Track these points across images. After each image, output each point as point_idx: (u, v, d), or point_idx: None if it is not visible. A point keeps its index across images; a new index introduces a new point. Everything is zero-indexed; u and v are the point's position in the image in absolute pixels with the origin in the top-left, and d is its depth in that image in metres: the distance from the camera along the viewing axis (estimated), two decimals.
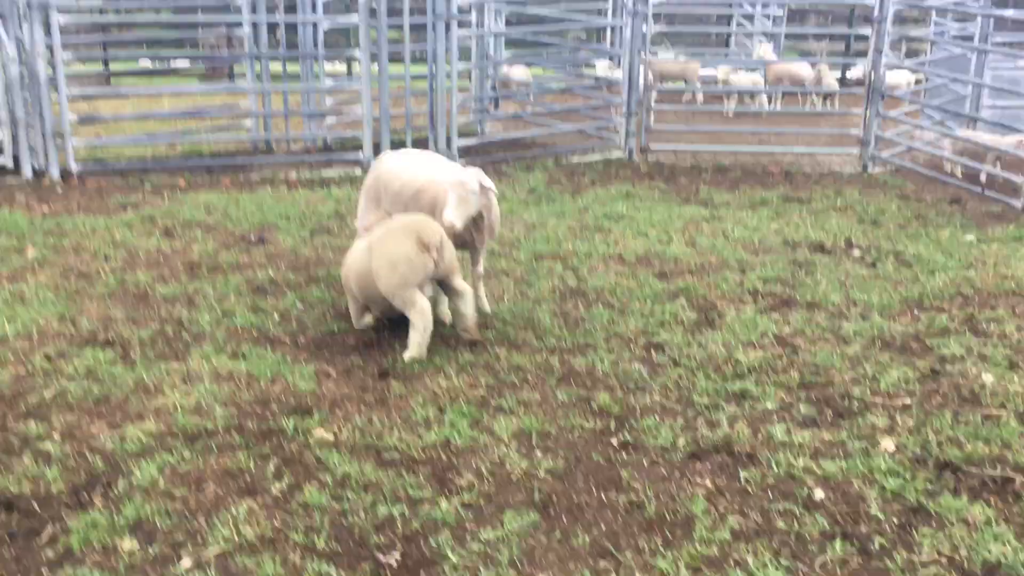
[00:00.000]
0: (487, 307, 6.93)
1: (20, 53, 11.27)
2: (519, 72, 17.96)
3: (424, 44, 12.67)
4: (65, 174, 11.66)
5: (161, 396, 5.39)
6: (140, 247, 8.49)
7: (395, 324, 6.40)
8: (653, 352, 6.30)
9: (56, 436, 4.92)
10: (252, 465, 4.64)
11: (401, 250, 5.91)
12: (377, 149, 12.37)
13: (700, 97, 19.39)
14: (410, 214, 6.32)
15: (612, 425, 5.23)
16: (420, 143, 13.42)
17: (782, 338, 6.59)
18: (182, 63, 21.91)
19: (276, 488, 4.44)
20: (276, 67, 16.07)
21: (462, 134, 13.49)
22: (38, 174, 11.65)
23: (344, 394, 5.53)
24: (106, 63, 19.48)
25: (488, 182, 6.28)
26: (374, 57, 12.37)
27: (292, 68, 16.09)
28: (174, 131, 14.06)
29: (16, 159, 11.57)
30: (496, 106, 17.78)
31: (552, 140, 15.43)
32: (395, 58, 13.71)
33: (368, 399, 5.48)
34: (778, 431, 5.19)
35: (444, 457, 4.81)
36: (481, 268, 6.85)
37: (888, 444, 5.10)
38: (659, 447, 5.01)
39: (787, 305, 7.32)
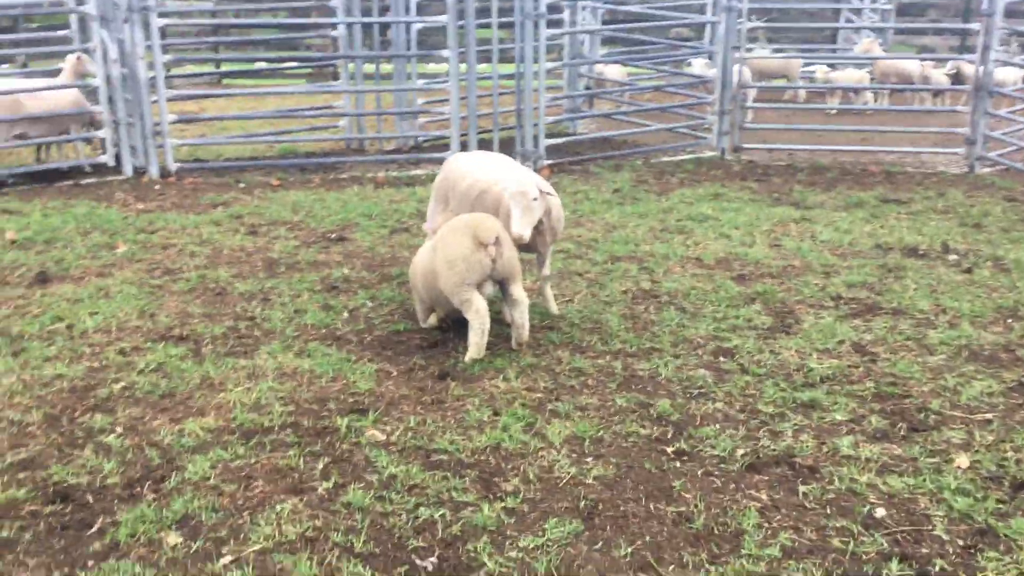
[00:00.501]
0: (554, 309, 6.86)
1: (121, 55, 11.61)
2: (614, 71, 17.78)
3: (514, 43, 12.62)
4: (164, 172, 11.96)
5: (224, 392, 5.47)
6: (224, 245, 8.66)
7: (460, 325, 6.37)
8: (721, 358, 6.14)
9: (119, 429, 5.03)
10: (302, 463, 4.66)
11: (458, 248, 5.89)
12: (464, 148, 12.39)
13: (802, 94, 18.90)
14: (472, 214, 6.28)
15: (669, 433, 5.10)
16: (507, 143, 13.43)
17: (861, 346, 6.35)
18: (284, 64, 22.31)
19: (322, 487, 4.45)
20: (376, 67, 16.21)
21: (550, 134, 13.41)
22: (139, 172, 12.00)
23: (402, 394, 5.53)
24: (216, 63, 19.95)
25: (547, 186, 6.21)
26: (464, 56, 12.38)
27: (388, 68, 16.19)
28: (271, 131, 14.33)
29: (118, 158, 11.94)
30: (591, 105, 17.65)
31: (643, 139, 15.25)
32: (489, 58, 13.73)
33: (425, 400, 5.46)
34: (845, 444, 4.99)
35: (493, 461, 4.76)
36: (547, 270, 6.78)
37: (962, 461, 4.85)
38: (716, 457, 4.86)
39: (870, 312, 7.05)
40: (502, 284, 6.10)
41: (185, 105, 16.63)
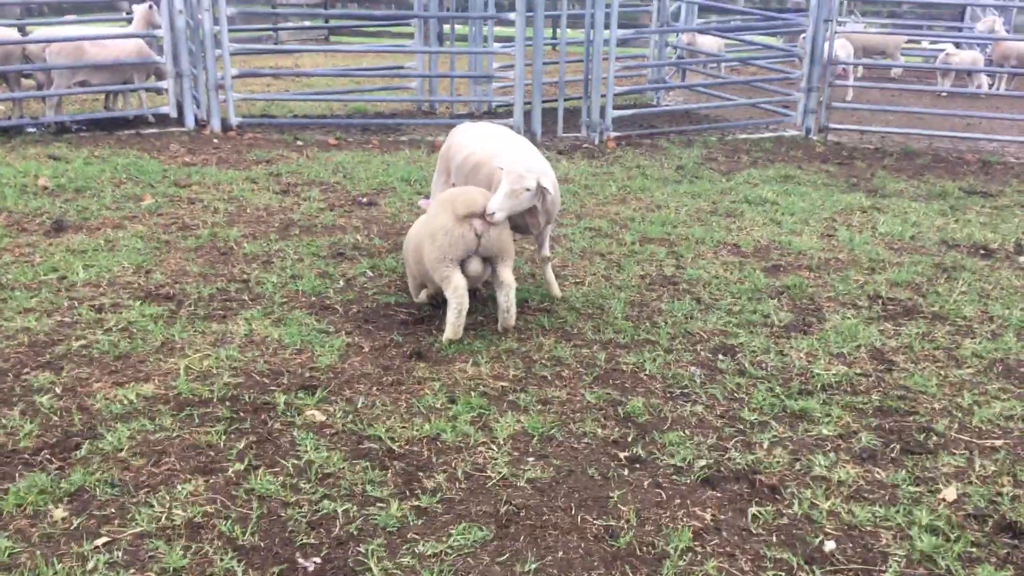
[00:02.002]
0: (556, 292, 6.47)
1: (187, 5, 11.56)
2: (707, 41, 17.04)
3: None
4: (225, 126, 11.92)
5: (181, 358, 5.28)
6: (250, 203, 8.52)
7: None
8: (721, 356, 5.67)
9: (57, 390, 4.89)
10: (223, 441, 4.44)
11: (440, 221, 5.56)
12: (528, 116, 12.01)
13: (898, 72, 17.80)
14: (462, 187, 5.93)
15: (630, 436, 4.70)
16: (574, 112, 12.98)
17: (880, 352, 5.79)
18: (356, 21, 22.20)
19: (233, 469, 4.21)
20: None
21: (622, 105, 12.90)
22: (200, 125, 11.98)
23: (363, 372, 5.25)
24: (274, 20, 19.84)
25: (549, 184, 5.77)
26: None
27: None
28: (341, 89, 14.18)
29: (181, 109, 11.94)
30: (683, 77, 17.00)
31: (724, 114, 14.59)
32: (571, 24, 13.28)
33: (384, 380, 5.17)
34: (821, 463, 4.50)
35: (425, 454, 4.44)
36: (547, 251, 6.38)
37: (949, 493, 4.33)
38: (671, 467, 4.45)
39: (906, 315, 6.45)
40: (490, 263, 5.74)
41: (278, 60, 16.68)
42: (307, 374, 5.21)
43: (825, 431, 4.84)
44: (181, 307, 6.09)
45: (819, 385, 5.34)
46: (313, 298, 6.34)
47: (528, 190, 5.63)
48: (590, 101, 12.07)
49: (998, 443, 4.78)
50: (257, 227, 7.81)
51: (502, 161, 5.75)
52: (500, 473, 4.30)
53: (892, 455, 4.65)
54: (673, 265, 7.27)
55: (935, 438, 4.81)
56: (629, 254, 7.48)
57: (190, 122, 11.89)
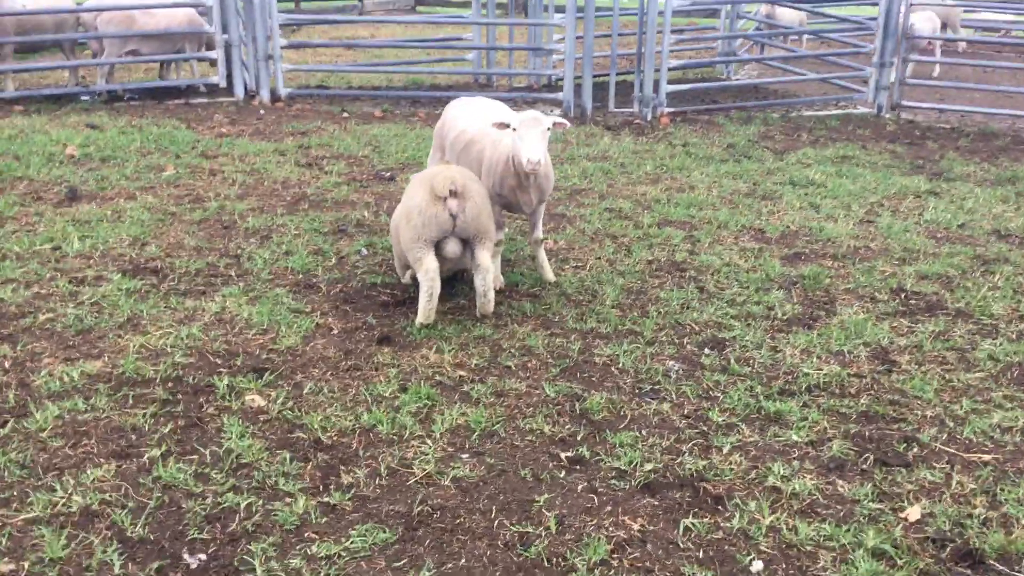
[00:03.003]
0: (549, 276, 6.20)
1: None
2: (787, 14, 16.33)
3: None
4: (275, 97, 11.88)
5: (139, 335, 5.20)
6: (269, 177, 8.43)
7: (445, 283, 5.87)
8: (707, 350, 5.33)
9: (7, 365, 4.84)
10: (148, 425, 4.31)
11: (415, 200, 5.34)
12: (578, 90, 11.66)
13: (962, 46, 16.74)
14: (440, 165, 5.69)
15: (580, 434, 4.42)
16: (626, 87, 12.57)
17: (884, 352, 5.37)
18: None
19: (149, 455, 4.09)
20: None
21: (677, 79, 12.44)
22: (250, 95, 11.97)
23: (323, 356, 5.08)
24: None
25: (560, 119, 5.66)
26: None
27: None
28: (396, 61, 14.03)
29: (230, 79, 11.94)
30: (762, 50, 16.37)
31: (795, 89, 13.97)
32: None
33: (343, 365, 5.00)
34: (779, 472, 4.16)
35: (354, 446, 4.25)
36: (539, 232, 6.10)
37: (914, 512, 3.96)
38: (614, 470, 4.17)
39: (927, 311, 6.00)
40: (468, 244, 5.49)
41: (329, 30, 16.59)
42: (264, 356, 5.06)
43: (795, 437, 4.48)
44: (164, 281, 6.01)
45: (804, 386, 4.97)
46: (300, 276, 6.20)
47: (549, 128, 5.50)
48: (643, 75, 11.63)
49: (986, 457, 4.36)
50: (267, 201, 7.71)
51: (513, 117, 5.53)
52: (425, 470, 4.08)
53: (863, 466, 4.27)
54: (687, 250, 6.91)
55: (916, 449, 4.42)
56: (643, 237, 7.14)
57: (239, 92, 11.88)
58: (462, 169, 5.60)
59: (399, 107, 12.06)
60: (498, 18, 13.54)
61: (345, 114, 11.41)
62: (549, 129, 5.49)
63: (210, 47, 12.05)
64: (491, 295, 5.52)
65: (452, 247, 5.44)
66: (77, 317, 5.39)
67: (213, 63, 12.12)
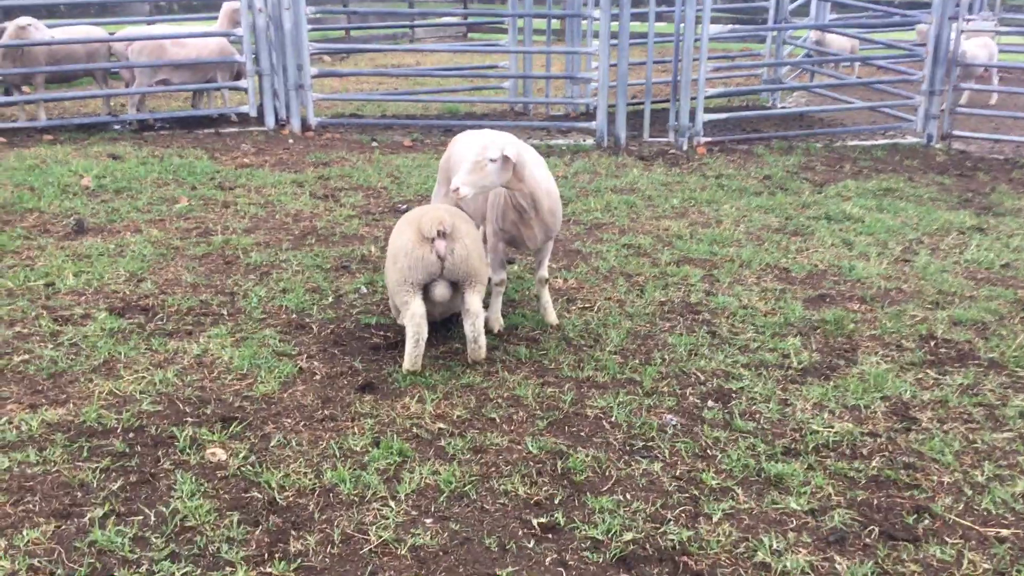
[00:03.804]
0: (552, 319, 5.88)
1: (268, 4, 11.44)
2: (837, 41, 15.84)
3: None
4: (305, 126, 11.75)
5: (110, 380, 4.99)
6: (282, 209, 8.25)
7: (441, 325, 5.61)
8: (711, 403, 4.97)
9: None
10: (97, 481, 4.07)
11: (401, 241, 5.08)
12: (611, 119, 11.35)
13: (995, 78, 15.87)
14: (430, 205, 5.42)
15: (557, 498, 4.09)
16: (661, 115, 12.23)
17: (904, 407, 4.97)
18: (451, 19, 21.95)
19: (90, 515, 3.84)
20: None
21: (716, 108, 12.06)
22: (281, 125, 11.86)
23: (299, 404, 4.83)
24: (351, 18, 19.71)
25: (513, 150, 5.07)
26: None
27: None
28: (430, 89, 13.85)
29: (261, 109, 11.85)
30: (811, 78, 15.91)
31: (842, 118, 13.51)
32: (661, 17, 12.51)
33: (318, 415, 4.73)
34: (772, 545, 3.78)
35: (311, 508, 3.96)
36: (544, 271, 5.79)
37: None
38: (588, 540, 3.83)
39: (958, 360, 5.57)
40: (458, 287, 5.21)
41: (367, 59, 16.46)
42: (236, 403, 4.82)
43: (795, 504, 4.10)
44: (151, 320, 5.81)
45: (811, 445, 4.58)
46: (293, 315, 5.97)
47: (492, 160, 4.99)
48: (679, 104, 11.28)
49: (1004, 532, 3.93)
50: (274, 235, 7.51)
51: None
52: (382, 537, 3.78)
53: (866, 540, 3.88)
54: (703, 291, 6.54)
55: (927, 521, 4.01)
56: (659, 276, 6.79)
57: (270, 122, 11.78)
58: (452, 208, 5.33)
59: (430, 136, 11.85)
60: (534, 46, 13.24)
61: (374, 144, 11.23)
62: (493, 160, 5.01)
63: (241, 76, 11.95)
64: (482, 341, 5.21)
65: (440, 290, 5.17)
66: (52, 359, 5.20)
67: (244, 92, 12.02)
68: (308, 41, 11.50)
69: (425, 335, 5.11)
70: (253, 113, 11.78)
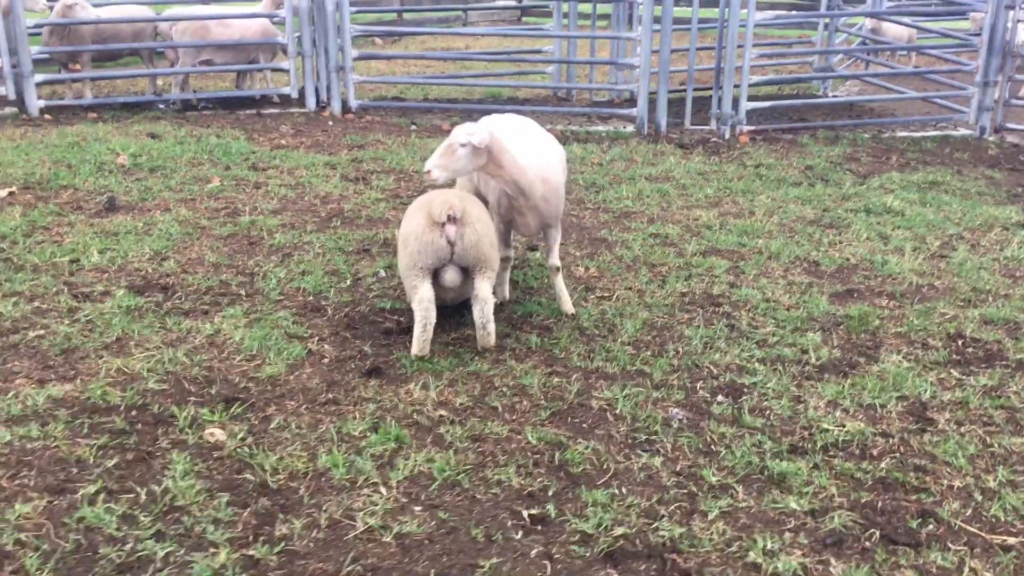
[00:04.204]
0: (568, 308, 5.82)
1: None
2: (895, 29, 15.46)
3: None
4: (345, 108, 11.77)
5: (120, 357, 5.03)
6: (311, 191, 8.27)
7: (453, 310, 5.65)
8: (720, 397, 4.88)
9: None
10: (94, 457, 4.10)
11: (412, 225, 5.07)
12: (652, 105, 11.20)
13: None
14: (442, 190, 5.39)
15: (552, 489, 4.04)
16: (706, 103, 12.04)
17: (921, 408, 4.83)
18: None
19: (83, 492, 3.87)
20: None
21: (760, 96, 11.85)
22: (322, 107, 11.89)
23: (304, 387, 4.83)
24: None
25: (480, 138, 4.99)
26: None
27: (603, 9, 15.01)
28: (472, 73, 13.78)
29: (302, 91, 11.88)
30: (866, 67, 15.57)
31: (889, 108, 13.20)
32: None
33: (321, 398, 4.74)
34: (764, 546, 3.70)
35: (302, 491, 3.96)
36: (555, 259, 5.72)
37: None
38: (579, 533, 3.78)
39: (984, 360, 5.41)
40: (468, 272, 5.17)
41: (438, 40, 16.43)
42: (242, 384, 4.83)
43: (795, 504, 4.00)
44: (169, 299, 5.85)
45: (820, 444, 4.47)
46: (310, 297, 5.97)
47: (463, 145, 4.98)
48: (721, 91, 11.09)
49: (1011, 540, 3.81)
50: (300, 217, 7.52)
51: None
52: (368, 524, 3.75)
53: (865, 544, 3.78)
54: (727, 283, 6.42)
55: (931, 526, 3.89)
56: (683, 267, 6.68)
57: (311, 104, 11.82)
58: (463, 194, 5.28)
59: (470, 120, 11.75)
60: (578, 31, 13.11)
61: (413, 127, 11.20)
62: (463, 145, 4.99)
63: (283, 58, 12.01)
64: (491, 327, 5.17)
65: (451, 275, 5.13)
66: (66, 335, 5.25)
67: (287, 73, 12.06)
68: (350, 23, 11.47)
69: (433, 320, 5.08)
70: (294, 95, 11.83)
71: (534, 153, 5.32)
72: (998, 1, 11.27)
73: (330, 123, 11.29)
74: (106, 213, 7.42)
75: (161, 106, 11.60)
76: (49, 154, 8.90)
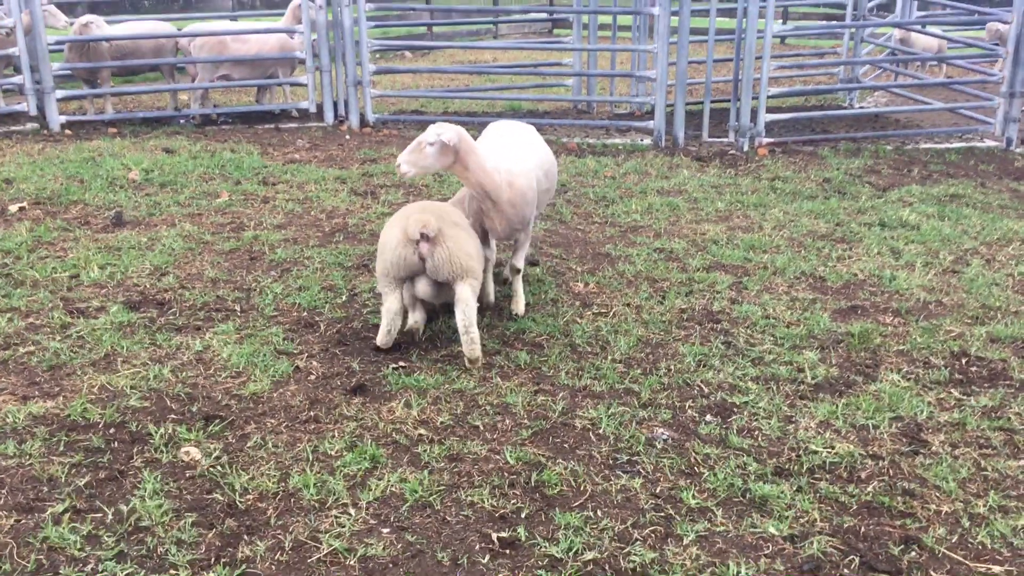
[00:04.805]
0: (518, 308, 6.00)
1: (328, 2, 11.50)
2: (923, 40, 15.23)
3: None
4: (363, 122, 11.80)
5: (105, 374, 5.03)
6: (319, 205, 8.27)
7: (447, 326, 5.66)
8: (709, 417, 4.78)
9: None
10: (65, 476, 4.09)
11: (388, 236, 5.23)
12: (670, 119, 11.11)
13: None
14: (424, 203, 5.40)
15: (526, 511, 3.97)
16: (720, 114, 11.93)
17: (917, 429, 4.71)
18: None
19: (52, 511, 3.85)
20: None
21: (782, 107, 11.71)
22: (340, 121, 11.93)
23: (287, 404, 4.80)
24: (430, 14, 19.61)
25: (449, 136, 5.17)
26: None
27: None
28: (491, 86, 13.76)
29: (320, 105, 11.93)
30: (895, 77, 15.35)
31: (914, 119, 13.00)
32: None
33: (302, 416, 4.70)
34: (738, 572, 3.61)
35: (269, 512, 3.92)
36: (518, 262, 5.94)
37: None
38: (547, 557, 3.70)
39: (988, 380, 5.26)
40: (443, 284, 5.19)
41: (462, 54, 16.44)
42: (224, 402, 4.81)
43: (774, 529, 3.89)
44: (163, 315, 5.86)
45: (807, 466, 4.36)
46: (304, 313, 5.95)
47: (431, 143, 5.18)
48: (739, 103, 10.97)
49: (996, 569, 3.67)
50: (304, 231, 7.52)
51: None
52: (334, 545, 3.70)
53: (844, 571, 3.67)
54: (729, 299, 6.31)
55: (914, 553, 3.77)
56: (685, 282, 6.58)
57: (329, 118, 11.84)
58: (443, 208, 5.31)
59: None
60: (597, 44, 13.04)
61: None
62: (431, 143, 5.17)
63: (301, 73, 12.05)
64: (474, 333, 5.13)
65: (422, 287, 5.32)
66: (55, 352, 5.27)
67: (305, 87, 12.10)
68: (368, 38, 11.50)
69: (398, 325, 5.36)
70: (312, 109, 11.87)
71: (505, 157, 5.42)
72: (1023, 10, 11.04)
73: (347, 137, 11.31)
74: (112, 228, 7.46)
75: (181, 121, 11.69)
76: (63, 169, 8.99)
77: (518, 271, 5.95)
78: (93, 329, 5.57)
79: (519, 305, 5.95)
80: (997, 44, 11.35)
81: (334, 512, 3.92)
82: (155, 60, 11.68)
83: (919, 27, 14.16)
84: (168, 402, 4.77)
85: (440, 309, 5.71)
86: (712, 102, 11.63)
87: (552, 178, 6.00)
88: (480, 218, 5.64)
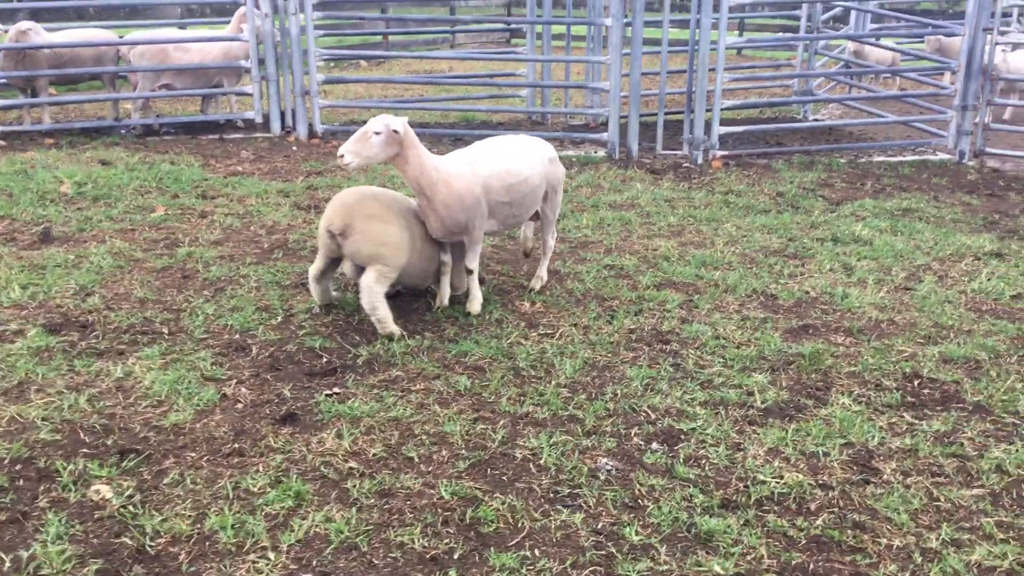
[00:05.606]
0: (473, 308, 6.10)
1: (274, 10, 11.22)
2: (878, 53, 15.23)
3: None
4: (311, 133, 11.52)
5: (17, 404, 4.73)
6: (258, 221, 7.99)
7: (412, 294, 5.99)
8: (655, 445, 4.58)
9: None
10: None
11: (325, 215, 5.67)
12: (623, 131, 10.94)
13: None
14: (365, 190, 5.88)
15: (457, 552, 3.73)
16: (675, 126, 11.79)
17: (867, 456, 4.54)
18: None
19: None
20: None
21: (735, 120, 11.59)
22: (287, 131, 11.64)
23: (210, 436, 4.53)
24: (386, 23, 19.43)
25: (397, 125, 5.38)
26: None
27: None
28: (445, 96, 13.53)
29: (267, 116, 11.63)
30: (849, 89, 15.34)
31: (868, 132, 12.95)
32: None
33: (225, 449, 4.44)
34: None
35: (181, 558, 3.65)
36: (468, 263, 6.03)
37: None
38: None
39: (940, 403, 5.11)
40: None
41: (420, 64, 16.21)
42: (143, 434, 4.53)
43: (719, 568, 3.69)
44: (85, 338, 5.56)
45: (755, 497, 4.16)
46: (235, 335, 5.68)
47: (377, 133, 5.31)
48: (693, 116, 10.83)
49: None
50: (241, 248, 7.24)
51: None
52: None
53: None
54: (679, 318, 6.12)
55: None
56: (635, 301, 6.39)
57: (276, 128, 11.55)
58: (367, 198, 5.64)
59: (439, 144, 11.52)
60: (551, 55, 12.86)
61: None
62: (377, 133, 5.31)
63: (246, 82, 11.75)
64: (381, 313, 5.60)
65: (347, 266, 5.86)
66: None
67: (251, 97, 11.81)
68: (315, 47, 11.23)
69: (314, 286, 5.90)
70: (258, 119, 11.56)
71: (454, 160, 5.39)
72: (976, 24, 11.02)
73: (294, 148, 11.04)
74: (40, 245, 7.14)
75: (121, 131, 11.34)
76: None
77: (471, 272, 5.97)
78: (8, 355, 5.26)
79: (474, 305, 5.99)
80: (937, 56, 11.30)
81: (252, 556, 3.66)
82: (95, 68, 11.33)
83: (873, 40, 14.13)
84: (81, 435, 4.49)
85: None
86: (667, 114, 11.50)
87: (520, 196, 5.91)
88: (421, 214, 5.76)
